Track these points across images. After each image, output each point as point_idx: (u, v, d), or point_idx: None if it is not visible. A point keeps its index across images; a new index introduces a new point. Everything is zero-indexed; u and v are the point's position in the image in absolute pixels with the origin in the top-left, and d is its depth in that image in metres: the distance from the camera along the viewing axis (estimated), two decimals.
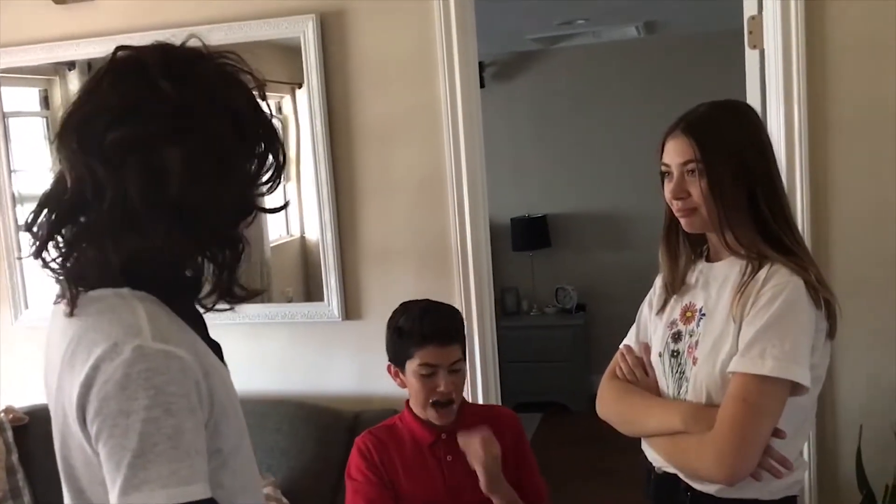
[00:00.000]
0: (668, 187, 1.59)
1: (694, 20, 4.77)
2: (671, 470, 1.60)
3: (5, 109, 2.95)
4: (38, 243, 1.05)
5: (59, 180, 1.06)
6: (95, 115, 1.02)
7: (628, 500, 3.76)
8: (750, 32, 2.37)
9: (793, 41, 2.25)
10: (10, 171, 2.95)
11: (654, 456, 1.64)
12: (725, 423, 1.43)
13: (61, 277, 1.06)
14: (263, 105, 1.12)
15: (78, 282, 1.04)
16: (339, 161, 2.69)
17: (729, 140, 1.54)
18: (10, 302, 3.00)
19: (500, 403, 2.80)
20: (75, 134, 1.02)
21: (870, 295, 2.29)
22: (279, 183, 1.14)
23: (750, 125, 1.59)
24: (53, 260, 1.06)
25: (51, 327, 1.09)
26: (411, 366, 1.87)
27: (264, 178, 1.11)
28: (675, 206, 1.59)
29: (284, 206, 1.18)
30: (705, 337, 1.56)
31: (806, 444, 2.21)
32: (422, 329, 1.85)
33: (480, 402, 2.65)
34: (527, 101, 5.46)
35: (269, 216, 2.70)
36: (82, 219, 1.04)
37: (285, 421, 2.64)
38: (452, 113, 2.58)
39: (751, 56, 2.40)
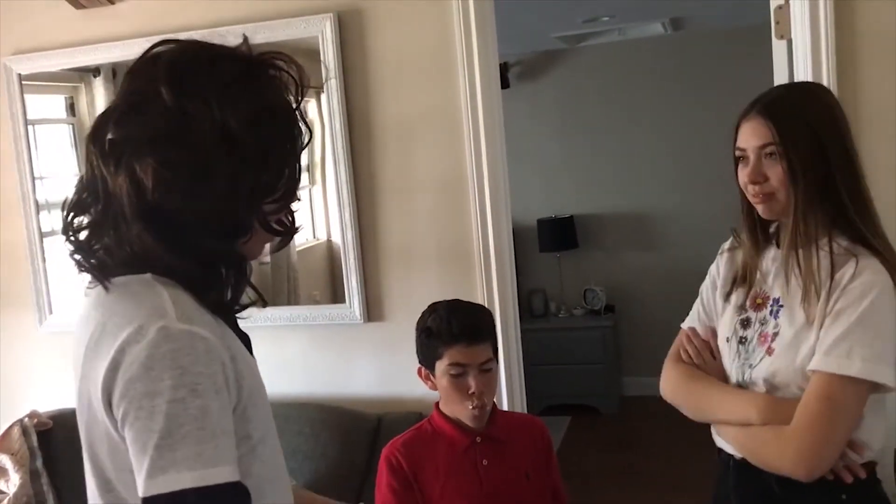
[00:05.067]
0: (744, 172, 1.55)
1: (721, 15, 4.69)
2: None
3: (31, 117, 2.97)
4: (64, 233, 1.08)
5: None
6: (108, 114, 1.04)
7: None
8: (777, 23, 2.31)
9: (821, 30, 2.19)
10: (33, 179, 2.96)
11: (726, 444, 1.62)
12: (807, 421, 1.43)
13: (85, 266, 1.07)
14: (296, 115, 1.07)
15: (101, 270, 1.05)
16: (359, 161, 2.67)
17: (806, 122, 1.50)
18: (35, 307, 3.01)
19: (525, 407, 2.75)
20: (93, 130, 1.04)
21: None
22: (288, 204, 1.09)
23: (826, 106, 1.55)
24: (76, 250, 1.07)
25: (78, 319, 1.09)
26: (441, 366, 1.82)
27: (270, 197, 1.05)
28: (752, 190, 1.55)
29: (293, 232, 1.14)
30: (785, 330, 1.53)
31: None
32: (450, 328, 1.80)
33: (505, 406, 2.61)
34: (553, 101, 5.41)
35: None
36: (92, 212, 1.05)
37: (307, 424, 2.61)
38: (473, 113, 2.54)
39: (778, 47, 2.33)
